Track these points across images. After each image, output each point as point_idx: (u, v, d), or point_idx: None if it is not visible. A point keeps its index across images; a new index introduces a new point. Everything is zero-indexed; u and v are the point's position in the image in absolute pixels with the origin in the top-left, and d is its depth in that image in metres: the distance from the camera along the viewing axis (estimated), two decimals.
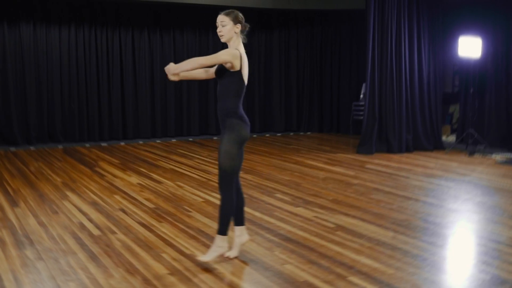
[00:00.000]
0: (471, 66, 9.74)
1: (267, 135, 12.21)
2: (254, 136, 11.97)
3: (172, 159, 8.75)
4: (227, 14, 3.90)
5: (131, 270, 3.91)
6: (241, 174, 7.43)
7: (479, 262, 4.14)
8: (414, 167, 8.11)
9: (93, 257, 4.19)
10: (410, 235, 4.76)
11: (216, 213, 5.37)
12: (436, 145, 9.86)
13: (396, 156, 9.09)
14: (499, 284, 3.67)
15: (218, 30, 3.91)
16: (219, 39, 3.97)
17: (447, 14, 9.99)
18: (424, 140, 9.77)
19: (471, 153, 9.08)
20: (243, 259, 4.14)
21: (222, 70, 3.92)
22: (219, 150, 3.95)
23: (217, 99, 4.00)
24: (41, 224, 5.10)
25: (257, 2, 10.98)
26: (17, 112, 10.24)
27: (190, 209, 5.63)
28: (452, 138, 10.80)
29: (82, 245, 4.48)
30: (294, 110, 12.66)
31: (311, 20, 12.40)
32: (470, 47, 9.14)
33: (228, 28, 3.88)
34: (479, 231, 5.02)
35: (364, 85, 10.45)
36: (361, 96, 11.23)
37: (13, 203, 5.87)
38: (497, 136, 9.73)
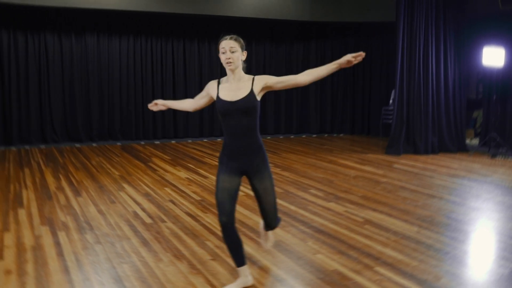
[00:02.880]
0: (494, 75, 9.47)
1: (303, 136, 12.15)
2: (292, 137, 11.95)
3: (217, 157, 8.75)
4: (236, 40, 3.20)
5: (178, 255, 3.94)
6: (279, 171, 7.49)
7: (498, 258, 4.02)
8: (439, 167, 7.93)
9: (145, 242, 4.25)
10: (433, 230, 4.66)
11: (255, 205, 5.39)
12: (460, 148, 9.62)
13: (422, 157, 8.90)
14: None
15: (226, 56, 3.15)
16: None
17: (472, 26, 9.74)
18: (448, 143, 9.55)
19: (493, 156, 8.82)
20: (278, 249, 4.13)
21: (256, 103, 3.20)
22: (268, 188, 3.31)
23: (239, 136, 3.18)
24: (100, 212, 5.20)
25: (297, 15, 10.94)
26: (81, 113, 10.49)
27: None
28: (475, 142, 10.52)
29: (135, 231, 4.55)
30: (328, 114, 12.55)
31: (345, 32, 12.27)
32: (493, 56, 8.90)
33: (237, 55, 3.17)
34: (499, 228, 4.86)
35: (393, 91, 10.29)
36: (390, 101, 11.05)
37: (77, 193, 6.00)
38: None
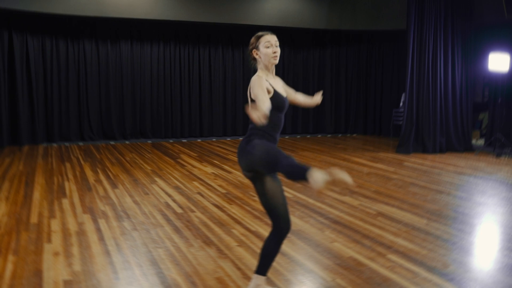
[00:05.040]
0: (500, 79, 9.40)
1: (319, 135, 12.17)
2: (308, 136, 11.98)
3: None
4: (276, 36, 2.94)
5: (207, 242, 4.03)
6: None
7: (502, 248, 4.03)
8: (446, 165, 7.90)
9: (176, 230, 4.34)
10: (441, 222, 4.68)
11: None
12: (467, 148, 9.56)
13: (430, 156, 8.87)
14: None
15: (273, 50, 2.85)
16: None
17: (479, 33, 9.68)
18: (455, 143, 9.50)
19: (498, 155, 8.75)
20: (298, 237, 4.19)
21: None
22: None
23: (279, 130, 2.91)
24: (136, 202, 5.31)
25: (313, 23, 10.97)
26: (116, 113, 10.66)
27: (254, 195, 5.69)
28: (481, 142, 10.43)
29: (168, 220, 4.65)
30: (342, 115, 12.55)
31: (359, 39, 12.26)
32: (499, 62, 8.83)
33: (279, 50, 2.91)
34: (504, 221, 4.86)
35: (403, 94, 10.25)
36: (401, 104, 11.01)
37: (113, 185, 6.13)
38: None
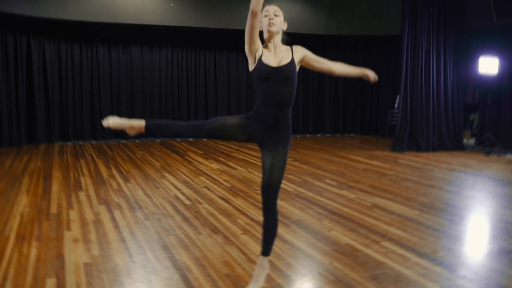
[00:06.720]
0: (489, 81, 9.49)
1: (318, 135, 12.28)
2: (308, 136, 12.09)
3: (244, 152, 8.99)
4: (280, 7, 2.82)
5: (215, 230, 4.15)
6: (298, 164, 7.65)
7: (489, 236, 4.14)
8: (438, 163, 8.00)
9: (186, 219, 4.46)
10: (432, 213, 4.78)
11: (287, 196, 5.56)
12: (458, 146, 9.65)
13: (423, 154, 8.97)
14: (505, 253, 3.67)
15: (269, 18, 2.74)
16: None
17: (470, 38, 9.77)
18: (447, 142, 9.59)
19: (488, 153, 8.85)
20: (299, 226, 4.31)
21: (296, 73, 2.78)
22: (278, 167, 2.72)
23: (273, 106, 2.70)
24: (147, 195, 5.43)
25: (313, 29, 11.10)
26: (126, 113, 10.77)
27: (258, 189, 5.81)
28: (471, 141, 10.53)
29: (177, 211, 4.76)
30: (340, 116, 12.66)
31: (356, 43, 12.37)
32: (489, 65, 8.93)
33: (279, 20, 2.77)
34: (491, 213, 4.97)
35: (398, 96, 10.36)
36: (396, 105, 11.12)
37: (126, 180, 6.26)
38: (511, 140, 9.42)
